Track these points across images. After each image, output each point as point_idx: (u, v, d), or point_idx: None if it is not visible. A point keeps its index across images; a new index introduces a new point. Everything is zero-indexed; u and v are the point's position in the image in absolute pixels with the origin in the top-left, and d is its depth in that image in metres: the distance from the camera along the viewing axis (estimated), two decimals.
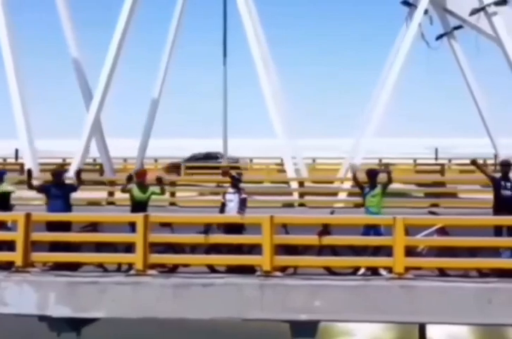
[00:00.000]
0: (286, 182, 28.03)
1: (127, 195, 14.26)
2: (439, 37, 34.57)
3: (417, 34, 28.50)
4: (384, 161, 46.09)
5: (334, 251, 13.55)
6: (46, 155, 40.43)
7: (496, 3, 27.25)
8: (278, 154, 38.30)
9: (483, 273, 13.21)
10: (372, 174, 14.06)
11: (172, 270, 13.55)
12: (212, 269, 13.59)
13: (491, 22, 27.39)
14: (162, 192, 14.18)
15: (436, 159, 39.18)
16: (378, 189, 13.93)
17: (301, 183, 26.66)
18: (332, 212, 14.42)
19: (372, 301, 12.41)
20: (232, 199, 14.17)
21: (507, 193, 13.93)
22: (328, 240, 13.04)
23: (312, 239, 12.98)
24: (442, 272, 13.27)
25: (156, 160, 49.40)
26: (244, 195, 14.25)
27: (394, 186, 32.35)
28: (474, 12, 28.40)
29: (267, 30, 32.69)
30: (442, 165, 37.07)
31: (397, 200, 26.05)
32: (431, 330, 18.42)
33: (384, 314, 12.44)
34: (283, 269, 13.37)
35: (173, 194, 26.45)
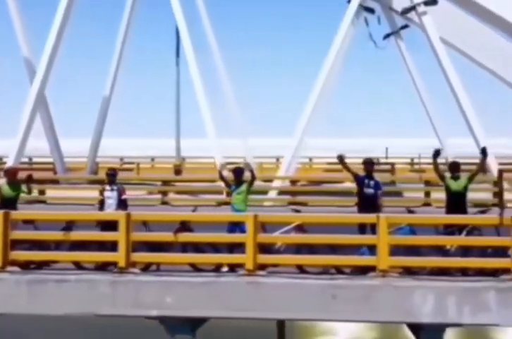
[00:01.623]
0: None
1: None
2: (386, 36, 34.61)
3: (348, 32, 28.39)
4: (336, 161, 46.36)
5: (197, 248, 13.73)
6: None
7: (426, 3, 27.34)
8: (231, 153, 38.84)
9: (340, 271, 13.36)
10: (237, 172, 14.24)
11: (39, 266, 13.74)
12: (79, 266, 13.77)
13: (421, 22, 27.51)
14: (29, 191, 14.39)
15: (386, 158, 39.29)
16: (243, 187, 14.11)
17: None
18: (194, 210, 14.58)
19: (222, 298, 12.59)
20: (110, 196, 14.43)
21: (370, 191, 14.10)
22: (186, 237, 13.23)
23: (170, 236, 13.17)
24: (301, 269, 13.44)
25: (121, 159, 49.66)
26: (125, 196, 14.49)
27: (342, 185, 32.83)
28: (405, 11, 28.50)
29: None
30: (392, 164, 37.18)
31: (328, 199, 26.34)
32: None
33: (236, 311, 12.61)
34: (147, 266, 13.57)
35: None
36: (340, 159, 14.51)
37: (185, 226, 13.39)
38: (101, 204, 14.59)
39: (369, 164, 14.37)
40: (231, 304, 12.55)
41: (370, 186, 14.10)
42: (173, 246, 13.60)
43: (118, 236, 12.99)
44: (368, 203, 13.96)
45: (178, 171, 37.51)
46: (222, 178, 14.49)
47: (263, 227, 13.52)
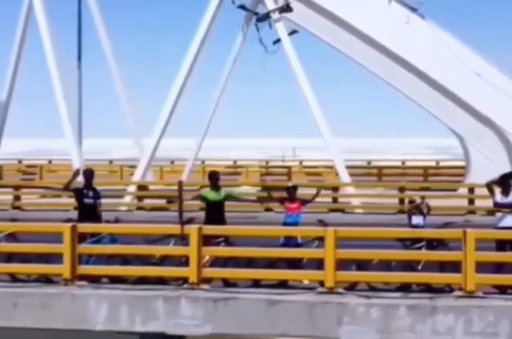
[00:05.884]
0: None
1: None
2: (276, 41, 34.81)
3: (210, 34, 28.64)
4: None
5: None
6: None
7: (281, 10, 27.60)
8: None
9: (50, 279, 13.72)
10: None
11: None
12: None
13: (274, 28, 27.81)
14: None
15: (283, 161, 39.39)
16: None
17: None
18: None
19: None
20: None
21: (89, 201, 14.50)
22: None
23: None
24: (13, 278, 13.79)
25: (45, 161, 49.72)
26: None
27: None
28: (261, 19, 28.71)
29: None
30: (289, 168, 37.46)
31: None
32: None
33: None
34: None
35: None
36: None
37: None
38: None
39: (87, 174, 14.77)
40: None
41: (89, 197, 14.50)
42: None
43: None
44: (88, 212, 14.39)
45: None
46: None
47: None
